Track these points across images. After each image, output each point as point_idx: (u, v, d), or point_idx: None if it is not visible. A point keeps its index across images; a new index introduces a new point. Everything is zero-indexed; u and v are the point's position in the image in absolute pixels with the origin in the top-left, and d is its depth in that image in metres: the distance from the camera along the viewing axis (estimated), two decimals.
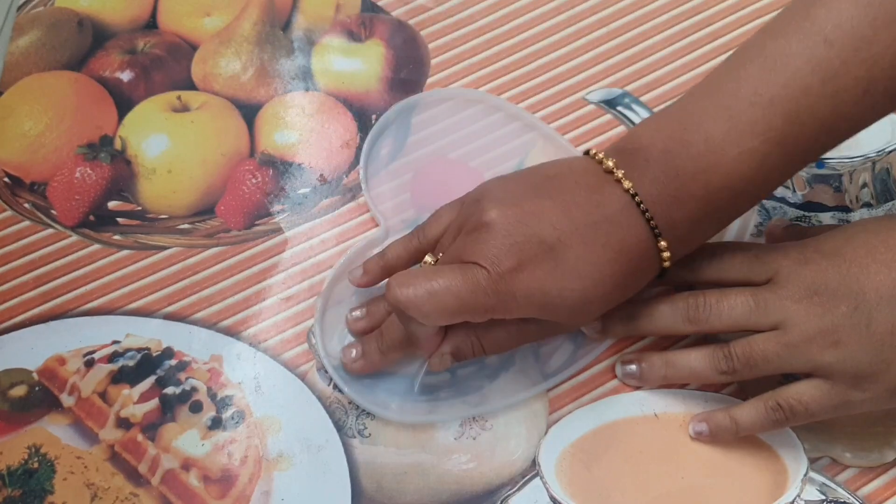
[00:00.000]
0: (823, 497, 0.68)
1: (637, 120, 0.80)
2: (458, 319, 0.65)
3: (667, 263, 0.67)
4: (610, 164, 0.67)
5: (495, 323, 0.67)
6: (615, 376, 0.73)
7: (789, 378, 0.68)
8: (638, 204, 0.66)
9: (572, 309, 0.66)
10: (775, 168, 0.66)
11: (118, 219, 0.80)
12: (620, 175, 0.66)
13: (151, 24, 0.89)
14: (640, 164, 0.66)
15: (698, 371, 0.70)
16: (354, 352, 0.71)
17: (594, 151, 0.68)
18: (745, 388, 0.72)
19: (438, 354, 0.69)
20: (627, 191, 0.66)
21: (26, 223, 0.80)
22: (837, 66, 0.64)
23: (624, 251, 0.66)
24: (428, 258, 0.69)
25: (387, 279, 0.70)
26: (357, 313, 0.73)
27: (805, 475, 0.68)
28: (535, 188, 0.67)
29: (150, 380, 0.72)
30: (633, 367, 0.72)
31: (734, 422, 0.68)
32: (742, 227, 0.76)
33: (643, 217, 0.66)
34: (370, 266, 0.73)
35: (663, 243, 0.66)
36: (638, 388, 0.72)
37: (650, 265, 0.67)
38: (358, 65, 0.86)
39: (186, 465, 0.69)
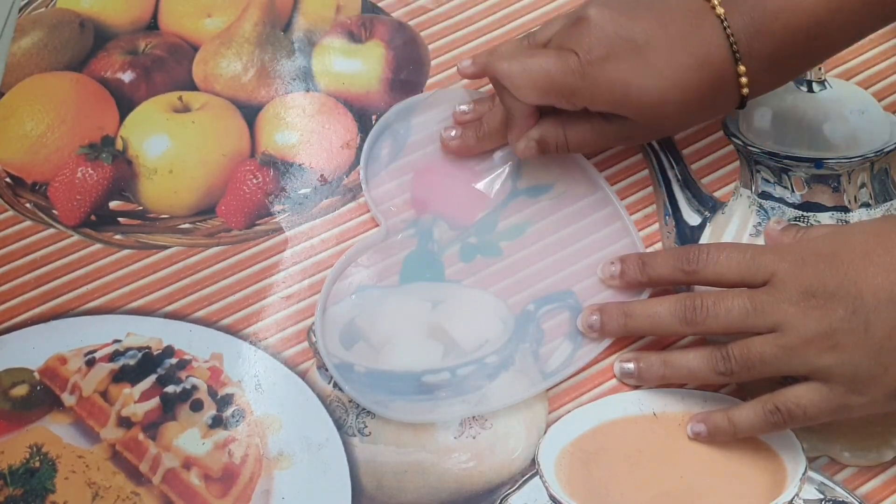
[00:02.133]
0: (822, 496, 0.68)
1: None
2: (546, 99, 0.72)
3: (744, 91, 0.71)
4: None
5: (580, 117, 0.74)
6: (614, 376, 0.73)
7: (788, 379, 0.68)
8: (725, 28, 0.70)
9: (650, 107, 0.71)
10: (853, 18, 0.70)
11: (119, 219, 0.80)
12: (716, 2, 0.71)
13: (153, 25, 0.89)
14: None
15: (696, 371, 0.70)
16: (454, 132, 0.79)
17: None
18: (744, 388, 0.72)
19: (525, 138, 0.75)
20: (719, 16, 0.70)
21: (28, 223, 0.80)
22: None
23: (706, 65, 0.70)
24: None
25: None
26: (464, 107, 0.80)
27: (804, 474, 0.68)
28: (638, 1, 0.72)
29: (151, 378, 0.72)
30: (631, 366, 0.72)
31: (732, 424, 0.69)
32: (741, 226, 0.76)
33: (728, 40, 0.70)
34: (479, 58, 0.78)
35: (742, 68, 0.70)
36: (636, 387, 0.72)
37: (728, 89, 0.71)
38: (358, 66, 0.86)
39: (187, 463, 0.69)
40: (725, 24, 0.70)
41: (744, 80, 0.70)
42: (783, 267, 0.68)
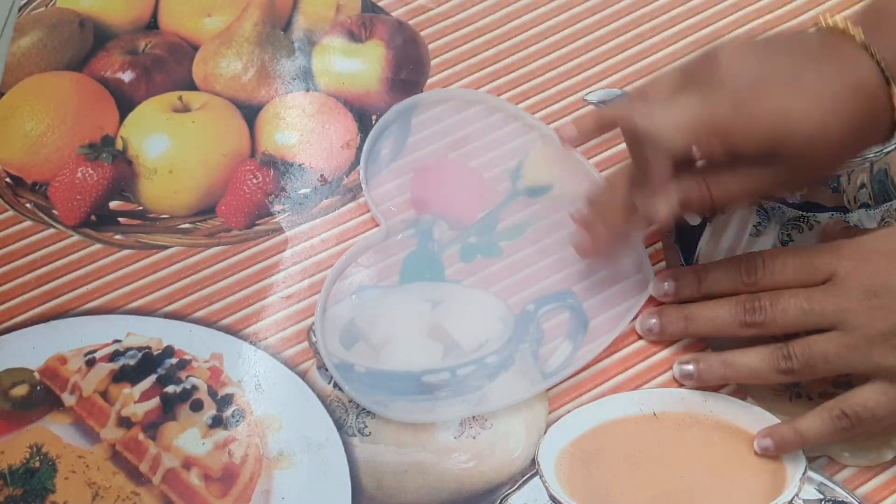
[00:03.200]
0: (822, 496, 0.68)
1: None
2: (694, 139, 0.64)
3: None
4: (841, 24, 0.66)
5: (724, 169, 0.66)
6: (614, 376, 0.73)
7: (840, 378, 0.69)
8: (872, 53, 0.65)
9: (811, 137, 0.64)
10: None
11: (119, 218, 0.80)
12: (853, 29, 0.66)
13: (152, 25, 0.89)
14: (875, 21, 0.66)
15: (758, 371, 0.69)
16: (583, 234, 0.72)
17: (823, 19, 0.68)
18: (744, 388, 0.72)
19: (665, 198, 0.66)
20: (861, 43, 0.65)
21: (28, 223, 0.80)
22: None
23: (859, 88, 0.65)
24: None
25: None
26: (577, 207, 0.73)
27: (803, 474, 0.68)
28: (763, 41, 0.67)
29: (151, 378, 0.72)
30: (691, 367, 0.72)
31: (799, 434, 0.68)
32: (741, 227, 0.76)
33: (877, 65, 0.65)
34: (585, 120, 0.71)
35: (894, 88, 0.65)
36: (636, 387, 0.72)
37: (882, 115, 0.66)
38: (358, 65, 0.86)
39: (187, 463, 0.70)
40: (871, 49, 0.65)
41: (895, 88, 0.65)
42: (843, 265, 0.67)
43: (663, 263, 0.77)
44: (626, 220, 0.70)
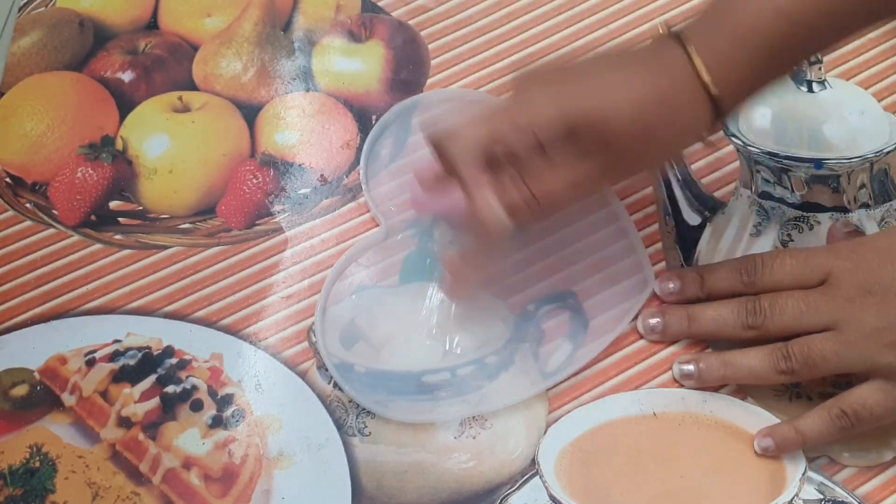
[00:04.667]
0: (822, 496, 0.68)
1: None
2: (489, 132, 0.65)
3: (713, 91, 0.64)
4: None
5: (539, 166, 0.65)
6: (614, 376, 0.73)
7: (842, 378, 0.69)
8: (671, 30, 0.65)
9: (601, 112, 0.63)
10: (833, 13, 0.64)
11: (119, 219, 0.80)
12: (660, 24, 0.66)
13: (152, 25, 0.89)
14: (694, 24, 0.66)
15: (757, 371, 0.69)
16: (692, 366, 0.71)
17: None
18: (744, 388, 0.72)
19: (484, 198, 0.65)
20: (667, 35, 0.65)
21: (28, 223, 0.80)
22: None
23: (663, 69, 0.64)
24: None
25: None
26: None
27: (803, 474, 0.68)
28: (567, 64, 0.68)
29: (151, 378, 0.72)
30: (691, 367, 0.72)
31: (800, 433, 0.68)
32: (741, 226, 0.76)
33: (679, 41, 0.65)
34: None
35: (698, 60, 0.64)
36: (636, 387, 0.72)
37: (693, 88, 0.64)
38: (358, 65, 0.86)
39: (187, 463, 0.70)
40: (682, 37, 0.65)
41: (706, 77, 0.64)
42: (838, 265, 0.68)
43: (663, 264, 0.77)
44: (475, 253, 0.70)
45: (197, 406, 0.71)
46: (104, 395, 0.72)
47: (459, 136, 0.66)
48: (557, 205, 0.67)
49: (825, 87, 0.78)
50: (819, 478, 0.69)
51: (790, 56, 0.67)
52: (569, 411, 0.72)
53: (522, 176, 0.65)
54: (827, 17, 0.65)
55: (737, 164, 0.79)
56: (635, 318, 0.75)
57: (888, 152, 0.75)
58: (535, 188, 0.65)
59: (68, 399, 0.72)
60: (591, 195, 0.71)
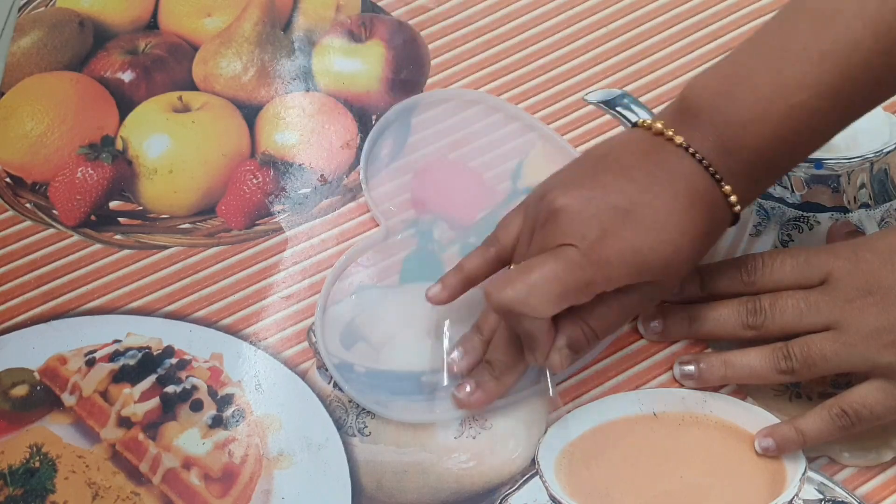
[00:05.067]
0: (822, 496, 0.68)
1: (637, 120, 0.80)
2: (565, 303, 0.66)
3: (737, 208, 0.67)
4: (659, 125, 0.68)
5: (597, 303, 0.67)
6: (614, 376, 0.73)
7: (841, 378, 0.69)
8: (693, 154, 0.66)
9: (667, 262, 0.66)
10: (827, 121, 0.66)
11: (119, 219, 0.80)
12: (671, 133, 0.67)
13: (152, 25, 0.89)
14: (689, 120, 0.67)
15: (758, 371, 0.70)
16: (469, 387, 0.70)
17: (641, 121, 0.69)
18: (743, 388, 0.72)
19: (556, 350, 0.68)
20: (681, 145, 0.67)
21: (28, 223, 0.80)
22: (891, 20, 0.64)
23: (696, 198, 0.66)
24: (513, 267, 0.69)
25: (473, 289, 0.72)
26: (455, 355, 0.72)
27: (803, 474, 0.68)
28: (592, 166, 0.68)
29: (151, 378, 0.72)
30: (692, 367, 0.72)
31: (800, 433, 0.68)
32: (741, 226, 0.76)
33: (701, 165, 0.66)
34: (448, 280, 0.72)
35: (727, 188, 0.67)
36: (636, 387, 0.72)
37: (722, 211, 0.67)
38: (358, 65, 0.86)
39: (187, 463, 0.70)
40: (691, 150, 0.66)
41: (733, 198, 0.67)
42: (838, 265, 0.68)
43: None
44: (516, 374, 0.70)
45: (197, 406, 0.71)
46: (104, 395, 0.72)
47: (537, 305, 0.65)
48: (612, 332, 0.71)
49: None
50: (819, 478, 0.69)
51: (793, 163, 0.70)
52: (569, 411, 0.72)
53: (583, 316, 0.68)
54: (824, 133, 0.68)
55: None
56: (635, 318, 0.74)
57: (888, 152, 0.75)
58: (596, 326, 0.68)
59: (68, 399, 0.72)
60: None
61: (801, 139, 0.67)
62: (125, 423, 0.71)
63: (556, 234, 0.66)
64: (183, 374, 0.72)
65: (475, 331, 0.72)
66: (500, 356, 0.70)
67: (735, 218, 0.68)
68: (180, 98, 0.84)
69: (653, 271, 0.66)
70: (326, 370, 0.73)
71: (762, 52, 0.66)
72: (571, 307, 0.66)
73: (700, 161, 0.66)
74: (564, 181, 0.68)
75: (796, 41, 0.65)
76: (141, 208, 0.80)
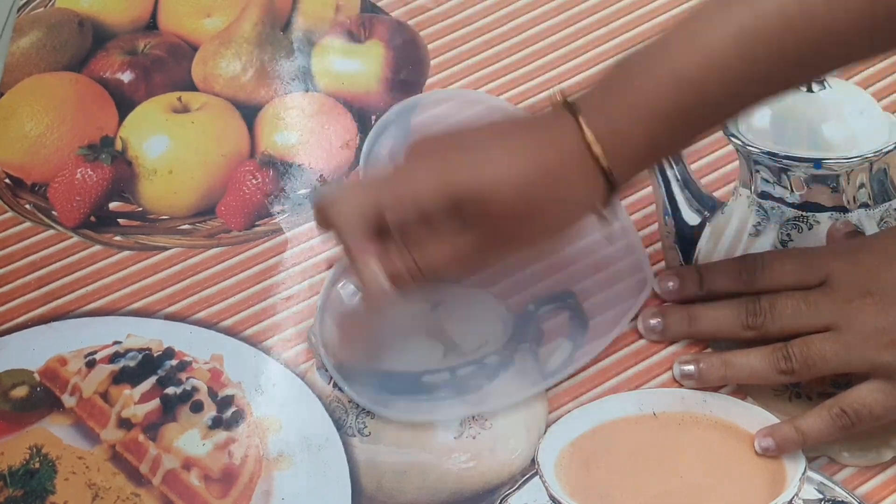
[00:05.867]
0: (821, 496, 0.68)
1: None
2: (372, 204, 0.63)
3: (604, 163, 0.61)
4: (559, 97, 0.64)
5: (427, 238, 0.63)
6: (614, 376, 0.73)
7: (840, 378, 0.69)
8: (566, 99, 0.62)
9: (481, 190, 0.61)
10: (736, 73, 0.61)
11: (119, 220, 0.80)
12: (559, 98, 0.63)
13: (152, 25, 0.89)
14: (593, 92, 0.63)
15: (758, 371, 0.70)
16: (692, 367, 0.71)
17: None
18: (743, 388, 0.72)
19: (368, 267, 0.64)
20: (562, 104, 0.62)
21: (27, 224, 0.80)
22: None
23: (552, 141, 0.62)
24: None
25: None
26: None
27: (803, 474, 0.68)
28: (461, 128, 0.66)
29: (151, 380, 0.72)
30: (692, 367, 0.72)
31: (800, 433, 0.68)
32: (740, 226, 0.76)
33: (572, 111, 0.62)
34: None
35: (589, 133, 0.61)
36: (636, 387, 0.72)
37: (583, 158, 0.62)
38: (358, 65, 0.86)
39: (187, 464, 0.70)
40: (575, 108, 0.62)
41: (597, 149, 0.61)
42: (837, 266, 0.68)
43: (663, 264, 0.77)
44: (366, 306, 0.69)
45: (197, 407, 0.71)
46: (104, 396, 0.72)
47: (345, 204, 0.64)
48: (441, 275, 0.65)
49: (824, 87, 0.78)
50: (819, 477, 0.69)
51: (691, 127, 0.64)
52: (569, 411, 0.72)
53: (407, 245, 0.64)
54: (728, 88, 0.61)
55: (736, 163, 0.79)
56: (635, 318, 0.75)
57: (887, 152, 0.75)
58: (419, 258, 0.64)
59: (68, 400, 0.72)
60: (480, 268, 0.68)
61: (710, 92, 0.61)
62: (125, 424, 0.71)
63: (406, 155, 0.65)
64: (183, 376, 0.72)
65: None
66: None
67: (608, 183, 0.62)
68: (180, 98, 0.84)
69: (465, 195, 0.62)
70: (326, 371, 0.73)
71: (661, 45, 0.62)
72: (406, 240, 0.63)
73: (566, 101, 0.62)
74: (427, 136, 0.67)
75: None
76: (140, 209, 0.80)
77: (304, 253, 0.78)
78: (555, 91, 0.64)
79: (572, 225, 0.65)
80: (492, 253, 0.66)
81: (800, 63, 0.62)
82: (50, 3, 0.90)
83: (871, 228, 0.75)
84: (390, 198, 0.63)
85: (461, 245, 0.63)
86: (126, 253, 0.78)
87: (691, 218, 0.78)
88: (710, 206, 0.78)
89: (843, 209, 0.75)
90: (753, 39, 0.60)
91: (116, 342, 0.74)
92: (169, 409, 0.71)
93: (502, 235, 0.64)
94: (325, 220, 0.66)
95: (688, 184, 0.79)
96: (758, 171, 0.76)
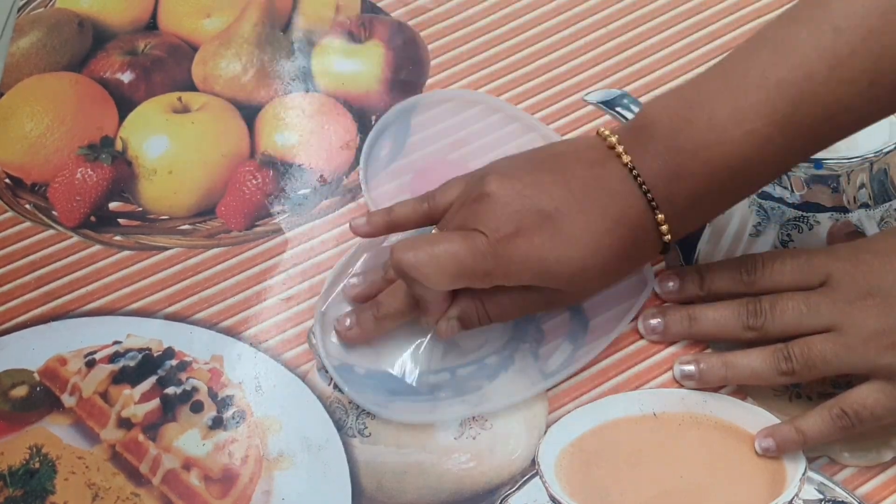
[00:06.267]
0: (822, 496, 0.68)
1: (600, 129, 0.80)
2: (460, 283, 0.67)
3: (667, 238, 0.68)
4: (613, 139, 0.68)
5: (499, 289, 0.68)
6: (614, 376, 0.73)
7: (840, 379, 0.69)
8: (636, 177, 0.67)
9: (571, 277, 0.67)
10: (777, 153, 0.66)
11: (119, 220, 0.80)
12: (621, 150, 0.67)
13: (152, 26, 0.89)
14: (644, 139, 0.67)
15: (759, 372, 0.70)
16: (349, 320, 0.72)
17: (602, 129, 0.69)
18: (743, 388, 0.72)
19: (445, 319, 0.69)
20: (626, 164, 0.67)
21: (27, 224, 0.80)
22: (844, 54, 0.64)
23: (622, 222, 0.67)
24: (434, 229, 0.71)
25: (389, 240, 0.73)
26: (354, 280, 0.74)
27: (803, 474, 0.68)
28: (539, 163, 0.69)
29: (151, 380, 0.72)
30: (692, 368, 0.72)
31: (801, 433, 0.68)
32: (740, 227, 0.76)
33: (640, 190, 0.66)
34: (375, 218, 0.74)
35: (661, 216, 0.67)
36: (637, 387, 0.72)
37: (649, 239, 0.68)
38: (358, 66, 0.86)
39: (187, 464, 0.70)
40: (634, 172, 0.66)
41: (664, 227, 0.67)
42: (838, 266, 0.68)
43: (663, 264, 0.77)
44: (394, 325, 0.72)
45: (197, 407, 0.71)
46: (104, 396, 0.72)
47: (432, 275, 0.66)
48: (504, 320, 0.71)
49: None
50: (819, 478, 0.69)
51: (733, 201, 0.70)
52: (569, 411, 0.72)
53: (481, 297, 0.69)
54: (771, 167, 0.67)
55: None
56: (635, 318, 0.75)
57: (887, 152, 0.75)
58: (490, 309, 0.69)
59: (68, 400, 0.72)
60: (538, 312, 0.74)
61: (749, 169, 0.66)
62: (125, 424, 0.71)
63: (476, 216, 0.67)
64: (183, 376, 0.72)
65: (383, 268, 0.73)
66: (390, 301, 0.71)
67: (665, 246, 0.68)
68: (180, 99, 0.84)
69: (555, 281, 0.67)
70: (326, 371, 0.73)
71: (723, 78, 0.66)
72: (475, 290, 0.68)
73: (640, 185, 0.66)
74: (508, 168, 0.69)
75: (756, 68, 0.65)
76: (140, 209, 0.80)
77: (304, 253, 0.78)
78: (612, 140, 0.68)
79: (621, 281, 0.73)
80: (552, 307, 0.73)
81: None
82: (50, 4, 0.90)
83: (871, 228, 0.75)
84: (480, 276, 0.67)
85: (526, 302, 0.69)
86: (126, 253, 0.78)
87: None
88: None
89: (844, 209, 0.75)
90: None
91: (116, 342, 0.74)
92: (169, 409, 0.71)
93: (568, 298, 0.70)
94: (409, 281, 0.68)
95: None
96: None
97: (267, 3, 0.88)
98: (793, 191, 0.76)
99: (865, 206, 0.76)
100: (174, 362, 0.73)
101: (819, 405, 0.68)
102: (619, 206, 0.67)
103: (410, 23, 0.88)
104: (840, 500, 0.68)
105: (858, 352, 0.66)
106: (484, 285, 0.67)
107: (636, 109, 0.81)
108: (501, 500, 0.69)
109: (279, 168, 0.81)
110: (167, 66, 0.86)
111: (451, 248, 0.66)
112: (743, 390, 0.72)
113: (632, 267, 0.71)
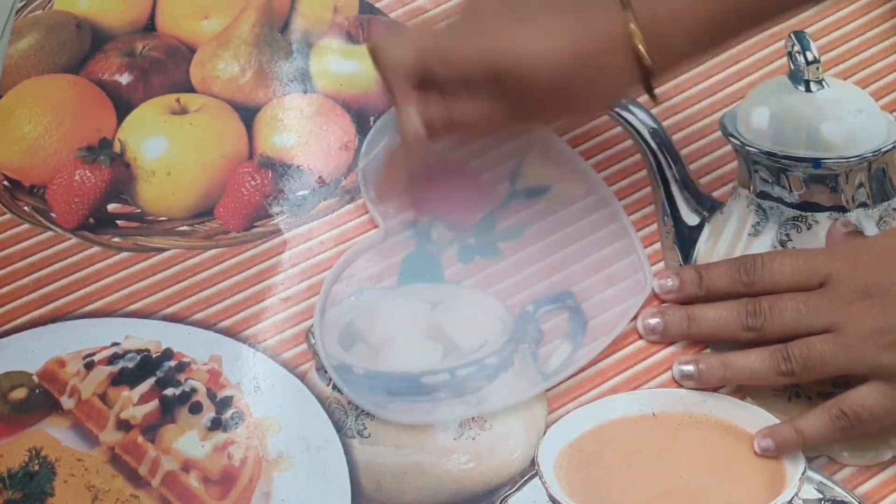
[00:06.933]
0: (821, 496, 0.68)
1: (635, 121, 0.80)
2: (418, 63, 0.69)
3: (646, 60, 0.66)
4: None
5: (465, 97, 0.69)
6: (613, 376, 0.73)
7: (840, 380, 0.69)
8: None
9: (519, 66, 0.66)
10: None
11: (117, 221, 0.80)
12: None
13: (150, 27, 0.89)
14: None
15: (758, 372, 0.70)
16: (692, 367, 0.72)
17: None
18: (743, 388, 0.72)
19: (407, 111, 0.70)
20: None
21: (26, 226, 0.80)
22: None
23: (594, 22, 0.65)
24: None
25: None
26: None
27: (803, 474, 0.68)
28: None
29: (150, 381, 0.72)
30: (691, 368, 0.72)
31: (800, 434, 0.68)
32: (739, 226, 0.76)
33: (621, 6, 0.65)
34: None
35: (632, 27, 0.65)
36: (635, 387, 0.72)
37: (623, 49, 0.66)
38: (356, 66, 0.86)
39: (186, 466, 0.70)
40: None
41: (640, 46, 0.65)
42: (837, 267, 0.68)
43: (662, 264, 0.77)
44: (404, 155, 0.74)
45: (196, 408, 0.71)
46: (103, 397, 0.72)
47: (395, 50, 0.70)
48: (472, 131, 0.73)
49: (823, 87, 0.78)
50: (818, 477, 0.69)
51: (727, 33, 0.68)
52: (568, 411, 0.72)
53: (445, 99, 0.69)
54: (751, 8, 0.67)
55: (735, 163, 0.79)
56: (635, 318, 0.75)
57: (886, 151, 0.75)
58: (454, 112, 0.69)
59: (67, 402, 0.72)
60: (507, 132, 0.75)
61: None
62: (124, 425, 0.71)
63: (463, 7, 0.70)
64: (182, 377, 0.72)
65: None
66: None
67: (642, 71, 0.66)
68: (178, 100, 0.84)
69: (505, 70, 0.66)
70: (325, 372, 0.73)
71: None
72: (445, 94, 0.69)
73: (623, 6, 0.65)
74: None
75: None
76: (139, 210, 0.80)
77: (302, 254, 0.78)
78: None
79: (604, 106, 0.72)
80: (520, 122, 0.73)
81: None
82: (48, 6, 0.90)
83: (870, 228, 0.75)
84: (439, 54, 0.68)
85: (494, 109, 0.69)
86: (124, 254, 0.78)
87: (690, 218, 0.78)
88: (709, 206, 0.78)
89: (842, 209, 0.75)
90: None
91: (115, 343, 0.74)
92: (168, 410, 0.71)
93: (533, 108, 0.69)
94: (374, 61, 0.71)
95: (687, 184, 0.79)
96: (756, 171, 0.77)
97: (265, 5, 0.88)
98: (791, 190, 0.76)
99: (864, 205, 0.76)
100: (173, 363, 0.73)
101: (818, 406, 0.68)
102: (591, 11, 0.66)
103: (409, 23, 0.88)
104: (839, 499, 0.68)
105: (857, 352, 0.67)
106: (441, 69, 0.68)
107: (635, 110, 0.81)
108: (501, 501, 0.69)
109: (278, 169, 0.81)
110: (165, 67, 0.86)
111: (417, 31, 0.73)
112: (742, 390, 0.72)
113: (597, 83, 0.68)
